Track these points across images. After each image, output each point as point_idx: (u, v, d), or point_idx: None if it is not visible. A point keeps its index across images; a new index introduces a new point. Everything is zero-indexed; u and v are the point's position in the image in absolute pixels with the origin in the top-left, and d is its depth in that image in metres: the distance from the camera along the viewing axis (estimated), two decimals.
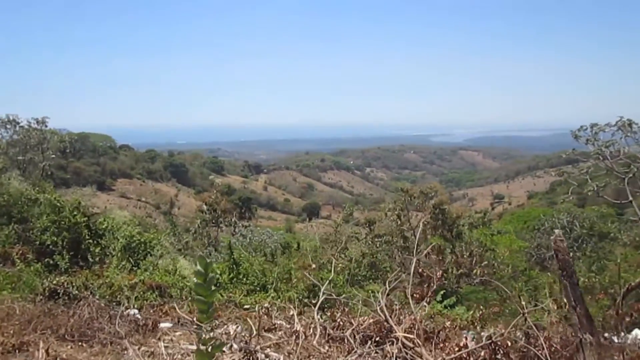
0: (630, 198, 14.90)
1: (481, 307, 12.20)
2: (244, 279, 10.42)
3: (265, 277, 10.55)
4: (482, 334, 5.60)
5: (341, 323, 4.25)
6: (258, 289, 9.96)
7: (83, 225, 10.97)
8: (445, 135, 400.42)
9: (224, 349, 4.18)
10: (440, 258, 5.93)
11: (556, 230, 4.67)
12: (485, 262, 18.17)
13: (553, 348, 3.39)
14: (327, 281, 10.06)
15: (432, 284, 4.79)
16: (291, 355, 3.75)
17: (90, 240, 10.90)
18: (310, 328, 4.22)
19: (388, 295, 4.44)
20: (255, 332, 4.08)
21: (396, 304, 4.33)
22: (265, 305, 6.00)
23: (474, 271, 17.38)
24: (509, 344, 3.61)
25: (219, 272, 10.28)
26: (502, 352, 3.50)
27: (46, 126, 25.19)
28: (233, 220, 21.96)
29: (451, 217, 17.05)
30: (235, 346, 4.25)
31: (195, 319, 6.87)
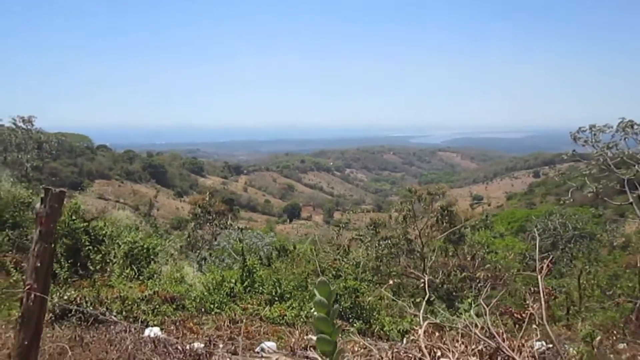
0: (631, 200, 14.71)
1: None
2: (260, 288, 9.67)
3: (280, 285, 9.80)
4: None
5: (436, 351, 3.61)
6: (276, 299, 9.23)
7: (82, 230, 10.11)
8: (425, 136, 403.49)
9: None
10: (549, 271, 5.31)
11: None
12: (488, 265, 17.81)
13: None
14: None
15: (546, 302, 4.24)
16: None
17: (90, 247, 10.04)
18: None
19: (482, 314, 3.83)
20: None
21: (501, 327, 3.71)
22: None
23: (477, 274, 16.99)
24: None
25: (233, 280, 9.52)
26: None
27: (33, 125, 23.90)
28: (228, 223, 21.13)
29: (459, 219, 16.57)
30: None
31: (226, 337, 6.16)
